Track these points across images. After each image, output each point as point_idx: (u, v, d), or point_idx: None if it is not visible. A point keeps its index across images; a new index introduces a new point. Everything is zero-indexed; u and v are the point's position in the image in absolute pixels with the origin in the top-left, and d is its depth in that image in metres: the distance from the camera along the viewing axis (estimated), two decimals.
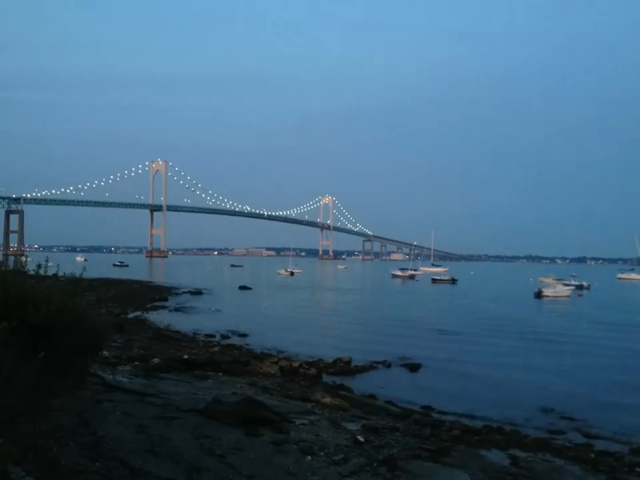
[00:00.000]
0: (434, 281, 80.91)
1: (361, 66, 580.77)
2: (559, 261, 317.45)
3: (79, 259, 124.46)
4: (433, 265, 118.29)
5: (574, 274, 74.33)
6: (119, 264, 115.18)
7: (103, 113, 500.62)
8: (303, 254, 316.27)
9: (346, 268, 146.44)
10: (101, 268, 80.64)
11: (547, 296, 53.54)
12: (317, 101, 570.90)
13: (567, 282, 67.89)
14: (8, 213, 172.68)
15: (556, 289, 56.48)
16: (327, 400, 10.93)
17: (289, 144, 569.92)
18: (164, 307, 35.59)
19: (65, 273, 7.75)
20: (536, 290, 55.48)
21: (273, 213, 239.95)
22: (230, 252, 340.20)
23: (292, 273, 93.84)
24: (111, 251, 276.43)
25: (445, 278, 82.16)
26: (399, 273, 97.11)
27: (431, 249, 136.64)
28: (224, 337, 23.49)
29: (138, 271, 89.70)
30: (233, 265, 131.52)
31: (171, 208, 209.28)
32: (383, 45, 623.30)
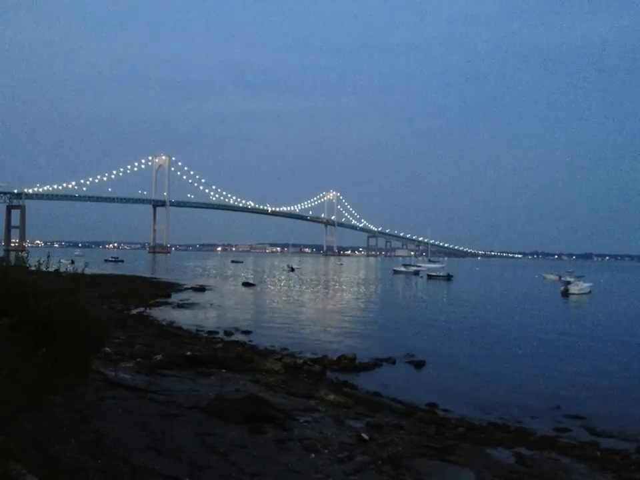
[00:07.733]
0: (430, 277, 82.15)
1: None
2: (564, 258, 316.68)
3: (75, 253, 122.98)
4: (430, 262, 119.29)
5: (570, 270, 74.72)
6: (112, 259, 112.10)
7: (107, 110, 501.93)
8: (306, 250, 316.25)
9: (342, 264, 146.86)
10: (92, 264, 77.19)
11: (573, 293, 54.06)
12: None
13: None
14: (9, 208, 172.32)
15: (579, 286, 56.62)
16: (331, 397, 10.87)
17: (293, 141, 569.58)
18: (167, 304, 35.52)
19: (67, 269, 7.70)
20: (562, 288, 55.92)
21: (277, 209, 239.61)
22: (234, 248, 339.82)
23: (293, 269, 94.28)
24: (114, 247, 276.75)
25: (441, 274, 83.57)
26: (402, 269, 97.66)
27: (430, 245, 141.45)
28: (227, 333, 23.42)
29: (133, 267, 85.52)
30: (233, 261, 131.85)
31: (173, 203, 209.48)
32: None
